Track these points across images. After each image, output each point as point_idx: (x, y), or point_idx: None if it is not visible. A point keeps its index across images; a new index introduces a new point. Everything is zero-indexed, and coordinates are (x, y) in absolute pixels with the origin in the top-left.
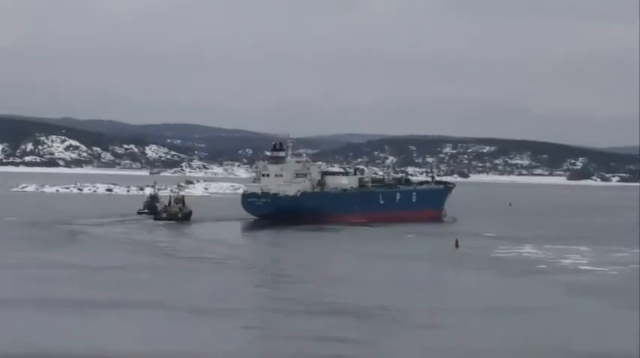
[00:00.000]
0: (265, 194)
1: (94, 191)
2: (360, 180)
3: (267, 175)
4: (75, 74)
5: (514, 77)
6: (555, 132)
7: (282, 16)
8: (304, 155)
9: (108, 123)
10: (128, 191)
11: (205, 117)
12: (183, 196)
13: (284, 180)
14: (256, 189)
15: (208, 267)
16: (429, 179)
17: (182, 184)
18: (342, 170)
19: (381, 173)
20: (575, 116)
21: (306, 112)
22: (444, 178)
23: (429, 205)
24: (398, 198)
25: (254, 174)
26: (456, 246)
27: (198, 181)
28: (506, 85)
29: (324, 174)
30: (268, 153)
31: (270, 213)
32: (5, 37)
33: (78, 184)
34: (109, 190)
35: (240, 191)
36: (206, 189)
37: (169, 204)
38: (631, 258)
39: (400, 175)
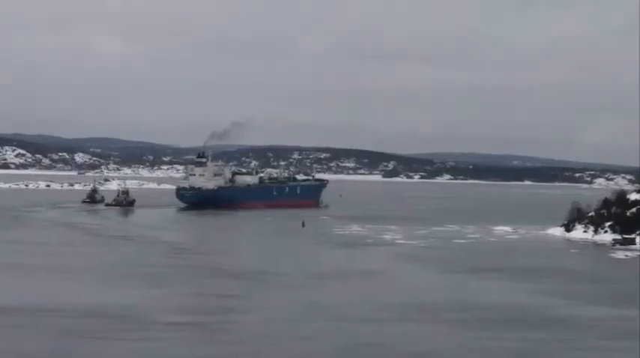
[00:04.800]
0: (192, 188)
1: (37, 186)
2: (260, 178)
3: (194, 174)
4: (24, 100)
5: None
6: (374, 143)
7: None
8: (220, 161)
9: (48, 138)
10: (62, 186)
11: (119, 131)
12: (127, 189)
13: (206, 178)
14: (186, 184)
15: (131, 243)
16: (311, 177)
17: (101, 181)
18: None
19: (275, 173)
20: (389, 130)
21: (193, 126)
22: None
23: (309, 196)
24: (287, 191)
25: (179, 174)
26: (303, 225)
27: (113, 179)
28: (341, 109)
29: (234, 174)
30: (181, 159)
31: (196, 201)
32: None
33: (25, 182)
34: (48, 186)
35: (144, 187)
36: (119, 185)
37: (118, 194)
38: (430, 234)
39: (290, 175)
